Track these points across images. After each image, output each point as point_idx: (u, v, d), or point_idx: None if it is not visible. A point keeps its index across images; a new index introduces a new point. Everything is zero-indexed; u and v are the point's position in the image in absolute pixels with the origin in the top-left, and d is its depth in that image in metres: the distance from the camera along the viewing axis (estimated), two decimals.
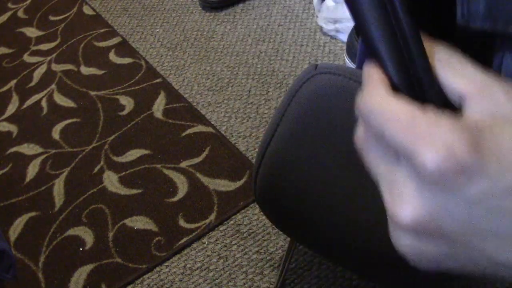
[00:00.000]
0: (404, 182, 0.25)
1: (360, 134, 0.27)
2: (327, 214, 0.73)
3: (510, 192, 0.23)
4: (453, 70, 0.26)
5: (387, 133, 0.24)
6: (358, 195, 0.70)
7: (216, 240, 1.09)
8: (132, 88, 1.41)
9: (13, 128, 1.38)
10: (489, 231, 0.24)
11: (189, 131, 1.28)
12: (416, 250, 0.26)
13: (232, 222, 1.11)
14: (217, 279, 1.03)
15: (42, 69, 1.52)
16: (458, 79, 0.25)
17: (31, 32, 1.64)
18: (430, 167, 0.23)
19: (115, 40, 1.54)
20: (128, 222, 1.14)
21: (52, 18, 1.67)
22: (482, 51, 0.48)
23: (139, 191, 1.19)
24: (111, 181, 1.21)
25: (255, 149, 1.23)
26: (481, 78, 0.25)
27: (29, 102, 1.44)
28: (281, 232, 1.05)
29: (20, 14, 1.72)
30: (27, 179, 1.26)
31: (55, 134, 1.34)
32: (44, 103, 1.42)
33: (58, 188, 1.23)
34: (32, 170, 1.27)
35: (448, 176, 0.23)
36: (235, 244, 1.08)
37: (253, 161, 1.19)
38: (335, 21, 1.41)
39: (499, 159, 0.23)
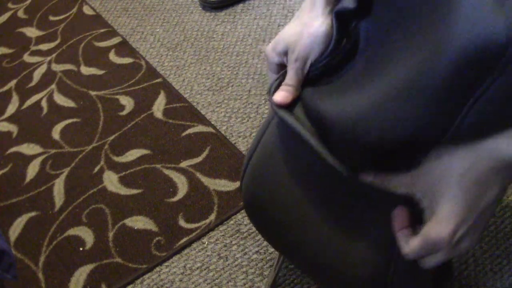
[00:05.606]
0: None
1: None
2: (302, 227, 0.69)
3: None
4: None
5: None
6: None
7: (216, 240, 1.09)
8: (132, 88, 1.41)
9: (13, 128, 1.38)
10: None
11: (189, 131, 1.28)
12: None
13: (232, 222, 1.11)
14: (217, 279, 1.03)
15: (42, 69, 1.52)
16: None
17: (31, 32, 1.64)
18: None
19: (115, 40, 1.54)
20: (128, 222, 1.14)
21: (52, 18, 1.67)
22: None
23: (139, 191, 1.19)
24: (111, 181, 1.21)
25: None
26: None
27: (29, 102, 1.44)
28: None
29: (20, 14, 1.72)
30: (27, 179, 1.26)
31: (55, 134, 1.34)
32: (44, 103, 1.42)
33: (58, 188, 1.23)
34: (32, 170, 1.27)
35: None
36: (235, 244, 1.08)
37: None
38: None
39: None
